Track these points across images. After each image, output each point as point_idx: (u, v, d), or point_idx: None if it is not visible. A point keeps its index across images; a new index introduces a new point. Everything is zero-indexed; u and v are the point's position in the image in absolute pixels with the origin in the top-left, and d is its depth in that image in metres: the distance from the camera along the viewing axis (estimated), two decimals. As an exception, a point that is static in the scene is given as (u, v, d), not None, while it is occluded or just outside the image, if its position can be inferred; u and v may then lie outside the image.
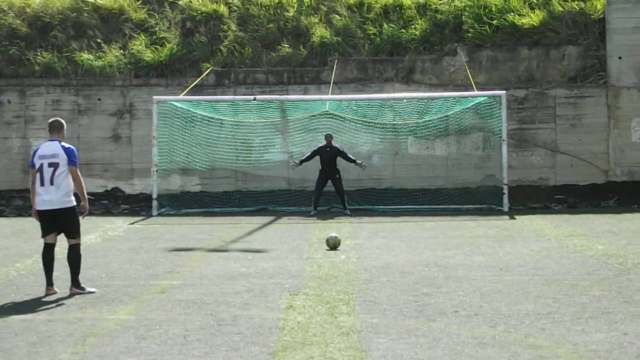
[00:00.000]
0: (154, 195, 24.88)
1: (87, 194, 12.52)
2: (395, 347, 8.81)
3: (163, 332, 9.57)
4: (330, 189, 24.56)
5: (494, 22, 27.23)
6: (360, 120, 26.55)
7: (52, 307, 11.15)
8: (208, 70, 27.03)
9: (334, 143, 24.61)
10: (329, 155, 24.39)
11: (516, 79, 26.97)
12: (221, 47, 27.90)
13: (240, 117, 26.41)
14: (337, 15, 28.42)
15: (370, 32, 27.88)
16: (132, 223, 22.41)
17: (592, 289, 11.99)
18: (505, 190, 24.76)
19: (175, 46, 27.91)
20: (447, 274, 13.43)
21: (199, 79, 26.66)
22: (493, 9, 27.57)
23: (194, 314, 10.55)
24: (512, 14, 27.33)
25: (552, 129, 26.71)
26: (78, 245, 12.28)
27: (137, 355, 8.61)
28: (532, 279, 12.94)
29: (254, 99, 25.54)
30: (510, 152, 25.62)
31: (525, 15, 27.33)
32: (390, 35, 27.58)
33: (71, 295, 11.95)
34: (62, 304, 11.38)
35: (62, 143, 12.22)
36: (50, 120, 12.56)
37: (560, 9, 27.17)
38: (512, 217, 22.95)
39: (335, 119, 26.37)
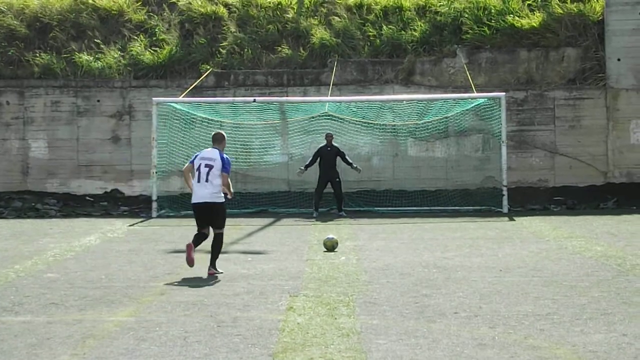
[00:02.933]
0: (154, 197, 24.88)
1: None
2: (395, 348, 8.82)
3: (163, 334, 9.57)
4: (330, 191, 24.56)
5: (493, 23, 27.25)
6: (359, 122, 26.56)
7: (51, 309, 11.15)
8: (208, 72, 27.04)
9: (334, 143, 24.64)
10: (329, 155, 24.40)
11: (515, 80, 26.98)
12: (220, 49, 27.90)
13: (240, 118, 26.39)
14: (336, 17, 28.43)
15: (370, 33, 27.88)
16: (132, 225, 22.41)
17: (591, 290, 12.00)
18: (505, 192, 24.76)
19: (174, 47, 27.90)
20: (446, 276, 13.44)
21: (199, 80, 26.67)
22: (492, 10, 27.58)
23: (194, 316, 10.55)
24: (511, 15, 27.35)
25: (551, 131, 26.72)
26: (222, 234, 14.10)
27: (136, 357, 8.62)
28: (532, 280, 12.95)
29: (254, 101, 25.55)
30: (509, 154, 25.63)
31: (524, 17, 27.35)
32: (390, 37, 27.58)
33: (209, 275, 13.56)
34: (61, 305, 11.38)
35: (222, 152, 14.08)
36: (213, 133, 14.65)
37: (560, 10, 27.18)
38: (511, 219, 22.96)
39: (335, 120, 26.36)
